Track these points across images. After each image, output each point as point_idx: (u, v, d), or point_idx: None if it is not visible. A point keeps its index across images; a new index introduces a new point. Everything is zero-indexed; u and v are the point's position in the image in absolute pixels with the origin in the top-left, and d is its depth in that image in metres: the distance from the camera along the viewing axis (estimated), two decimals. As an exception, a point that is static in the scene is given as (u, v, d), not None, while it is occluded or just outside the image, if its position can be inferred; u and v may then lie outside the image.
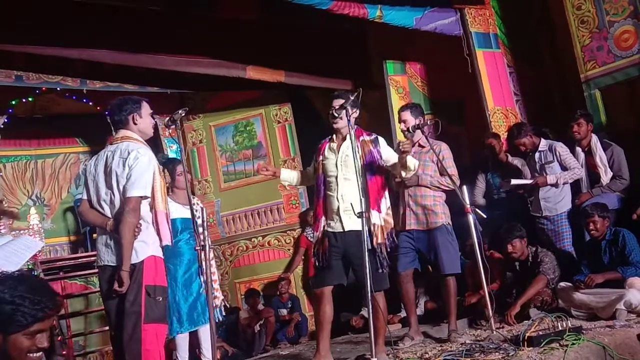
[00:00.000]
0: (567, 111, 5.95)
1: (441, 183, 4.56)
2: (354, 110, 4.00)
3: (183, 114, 3.81)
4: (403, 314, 6.28)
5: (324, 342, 3.95)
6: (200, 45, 6.43)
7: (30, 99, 7.22)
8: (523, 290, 4.86)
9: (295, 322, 6.91)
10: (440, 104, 7.01)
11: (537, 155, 5.55)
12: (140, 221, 3.31)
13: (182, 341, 4.64)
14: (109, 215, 3.37)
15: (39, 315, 1.96)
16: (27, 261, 6.68)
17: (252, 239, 7.73)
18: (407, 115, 4.64)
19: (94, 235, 7.36)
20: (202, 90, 7.66)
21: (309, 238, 7.37)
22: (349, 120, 3.90)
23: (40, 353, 2.02)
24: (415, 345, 4.35)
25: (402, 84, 7.00)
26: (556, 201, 5.43)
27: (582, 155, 5.50)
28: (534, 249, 5.10)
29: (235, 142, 8.03)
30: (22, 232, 7.25)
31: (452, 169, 4.58)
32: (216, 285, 4.70)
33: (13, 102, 7.15)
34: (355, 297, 6.06)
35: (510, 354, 3.43)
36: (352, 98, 3.97)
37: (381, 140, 4.12)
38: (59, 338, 6.39)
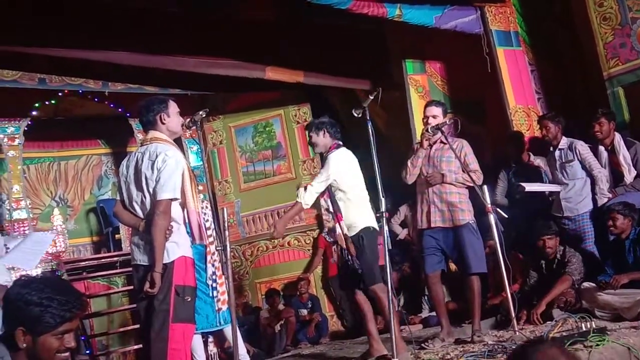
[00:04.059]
0: (589, 109, 5.88)
1: (465, 179, 4.49)
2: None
3: (204, 115, 3.85)
4: (424, 314, 6.28)
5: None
6: (220, 47, 6.46)
7: (53, 102, 7.31)
8: (548, 290, 4.80)
9: (316, 323, 6.92)
10: (461, 102, 6.96)
11: (557, 153, 5.50)
12: (172, 222, 3.34)
13: (196, 342, 4.65)
14: (141, 216, 3.41)
15: (67, 315, 1.99)
16: (50, 261, 6.82)
17: (272, 240, 7.74)
18: (440, 111, 4.62)
19: (117, 236, 7.53)
20: (222, 92, 7.71)
21: (327, 239, 7.36)
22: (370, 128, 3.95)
23: (68, 353, 2.05)
24: (446, 347, 4.27)
25: (421, 83, 6.97)
26: (577, 201, 5.38)
27: (605, 154, 5.43)
28: (562, 248, 5.04)
29: (255, 143, 8.07)
30: (46, 232, 7.36)
31: (474, 165, 4.54)
32: (222, 289, 4.67)
33: (36, 105, 7.25)
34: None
35: (533, 355, 3.39)
36: (365, 106, 4.03)
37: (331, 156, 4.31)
38: (82, 337, 6.47)
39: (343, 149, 4.42)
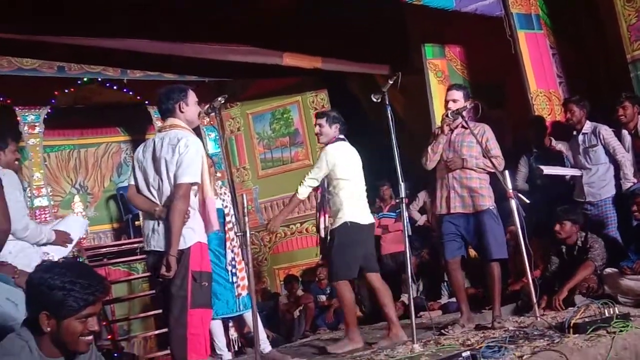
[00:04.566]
0: (612, 93, 5.77)
1: (486, 165, 4.42)
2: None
3: (222, 101, 3.87)
4: (443, 300, 6.26)
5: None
6: (237, 33, 6.44)
7: (72, 90, 7.36)
8: (570, 276, 4.75)
9: (335, 308, 6.92)
10: (480, 87, 6.88)
11: (580, 137, 5.42)
12: (189, 208, 3.36)
13: (217, 327, 4.69)
14: (157, 202, 3.43)
15: (90, 299, 2.02)
16: (73, 248, 6.90)
17: (290, 226, 7.77)
18: (460, 95, 4.54)
19: (137, 222, 7.60)
20: (240, 79, 7.70)
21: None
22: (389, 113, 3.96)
23: (92, 336, 2.07)
24: (466, 332, 4.25)
25: (441, 67, 6.89)
26: (600, 186, 5.30)
27: (628, 138, 5.33)
28: (583, 234, 4.97)
29: (273, 130, 8.08)
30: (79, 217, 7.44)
31: (496, 150, 4.47)
32: (241, 274, 4.72)
33: (56, 93, 7.30)
34: (395, 283, 6.06)
35: (555, 341, 3.36)
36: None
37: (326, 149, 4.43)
38: (104, 323, 6.56)
39: (342, 143, 4.49)
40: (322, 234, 4.50)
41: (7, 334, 2.14)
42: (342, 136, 4.54)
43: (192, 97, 3.60)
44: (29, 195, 7.18)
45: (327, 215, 4.51)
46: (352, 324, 4.43)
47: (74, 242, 3.86)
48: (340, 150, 4.43)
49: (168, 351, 4.08)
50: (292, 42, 6.69)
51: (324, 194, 4.50)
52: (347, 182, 4.39)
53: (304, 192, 4.44)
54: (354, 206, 4.38)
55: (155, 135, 3.60)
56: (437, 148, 4.54)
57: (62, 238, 3.70)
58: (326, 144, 4.50)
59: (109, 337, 6.72)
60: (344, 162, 4.41)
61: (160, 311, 4.95)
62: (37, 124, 7.31)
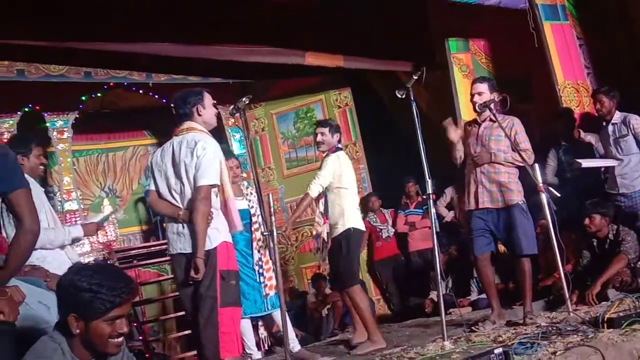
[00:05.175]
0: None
1: (515, 159, 4.33)
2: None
3: (247, 102, 3.88)
4: (473, 297, 6.19)
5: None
6: (259, 34, 6.45)
7: (99, 95, 7.46)
8: (602, 270, 4.65)
9: (363, 306, 6.89)
10: (507, 80, 6.78)
11: (610, 128, 5.31)
12: (212, 209, 3.38)
13: (246, 327, 4.71)
14: (180, 205, 3.45)
15: (116, 301, 2.02)
16: (101, 250, 7.01)
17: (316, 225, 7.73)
18: (485, 88, 4.46)
19: (165, 224, 7.66)
20: (263, 79, 7.72)
21: (371, 223, 7.34)
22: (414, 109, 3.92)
23: (122, 338, 2.08)
24: (498, 329, 4.18)
25: (465, 61, 6.81)
26: (633, 177, 5.19)
27: (657, 128, 5.22)
28: (615, 227, 4.87)
29: (297, 129, 8.08)
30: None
31: (526, 144, 4.38)
32: (268, 274, 4.75)
33: (83, 98, 7.41)
34: (423, 281, 6.02)
35: (589, 337, 3.29)
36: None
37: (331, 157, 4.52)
38: (134, 324, 6.63)
39: (342, 152, 4.64)
40: (326, 239, 4.57)
41: (40, 337, 2.17)
42: (340, 145, 4.68)
43: (208, 99, 3.63)
44: (60, 199, 7.31)
45: (326, 224, 4.57)
46: (371, 326, 4.45)
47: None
48: (341, 159, 4.55)
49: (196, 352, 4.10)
50: (314, 41, 6.67)
51: (326, 200, 4.55)
52: (347, 190, 4.51)
53: (314, 190, 4.47)
54: (354, 213, 4.50)
55: (172, 139, 3.63)
56: (453, 150, 4.52)
57: (90, 231, 3.77)
58: (326, 153, 4.59)
59: (140, 338, 6.79)
60: (345, 170, 4.53)
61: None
62: (65, 129, 7.42)
